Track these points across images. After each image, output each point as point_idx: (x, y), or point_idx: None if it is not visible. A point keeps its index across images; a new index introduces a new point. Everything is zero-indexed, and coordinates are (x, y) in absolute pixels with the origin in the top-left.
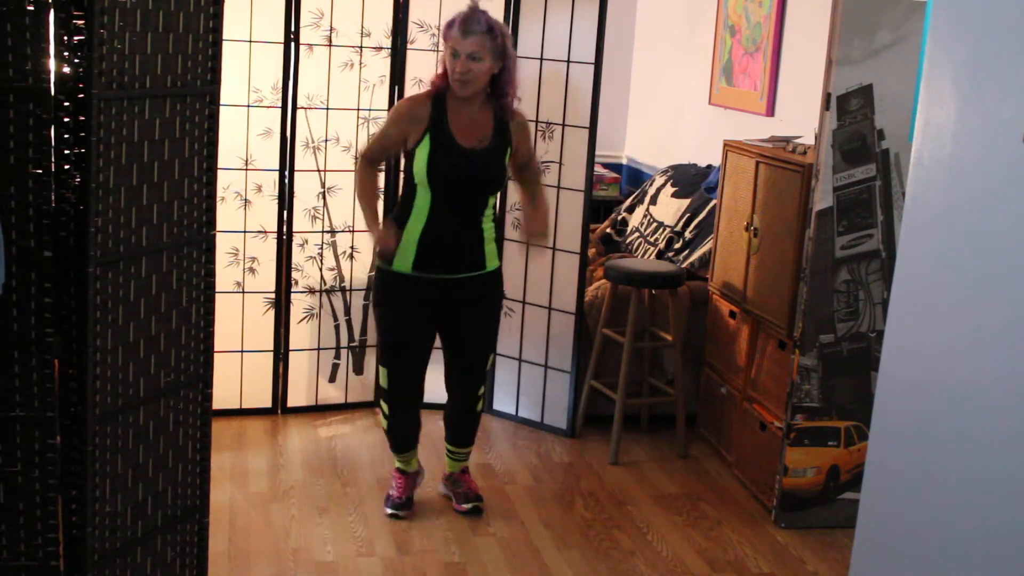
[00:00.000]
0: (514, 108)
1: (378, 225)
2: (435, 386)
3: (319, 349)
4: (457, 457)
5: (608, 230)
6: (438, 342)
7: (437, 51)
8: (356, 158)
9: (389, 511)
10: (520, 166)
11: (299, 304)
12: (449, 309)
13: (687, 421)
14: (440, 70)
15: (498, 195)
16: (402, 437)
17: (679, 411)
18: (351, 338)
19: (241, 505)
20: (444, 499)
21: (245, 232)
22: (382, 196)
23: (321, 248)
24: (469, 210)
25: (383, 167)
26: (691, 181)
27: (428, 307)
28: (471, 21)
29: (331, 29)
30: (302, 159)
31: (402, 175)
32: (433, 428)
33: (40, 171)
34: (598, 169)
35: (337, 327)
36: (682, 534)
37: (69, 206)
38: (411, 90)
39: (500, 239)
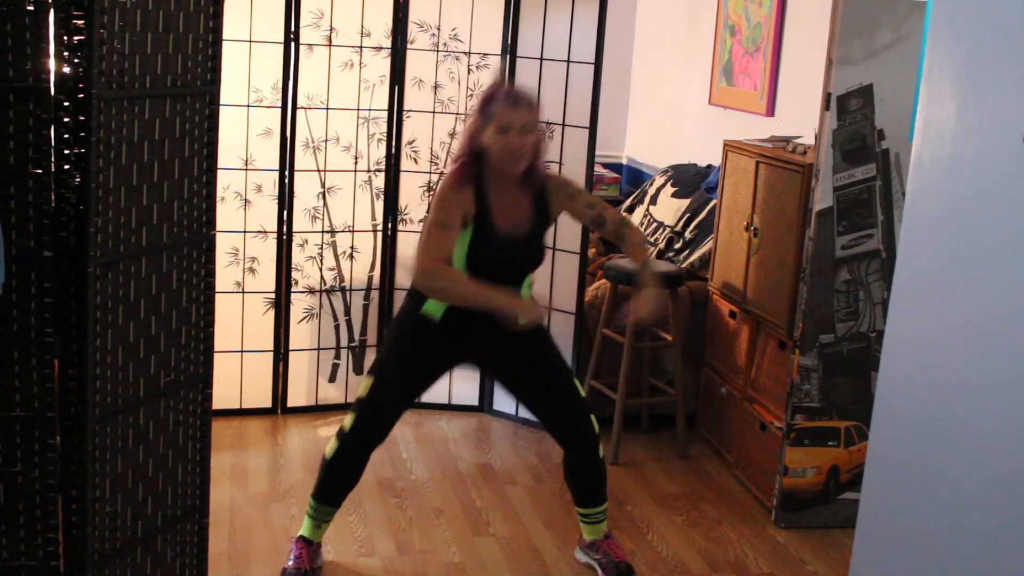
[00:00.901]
0: (548, 173)
1: (508, 296)
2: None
3: (319, 349)
4: (593, 519)
5: None
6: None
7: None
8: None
9: None
10: (594, 224)
11: (299, 304)
12: (509, 365)
13: (687, 421)
14: (463, 151)
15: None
16: (346, 477)
17: (679, 411)
18: (351, 338)
19: (241, 505)
20: (442, 498)
21: (245, 232)
22: (382, 196)
23: (321, 248)
24: (504, 285)
25: (372, 173)
26: (691, 181)
27: (449, 355)
28: (518, 94)
29: (331, 29)
30: (302, 159)
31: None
32: (433, 429)
33: (40, 171)
34: (598, 169)
35: (337, 327)
36: (682, 534)
37: (69, 206)
38: (411, 90)
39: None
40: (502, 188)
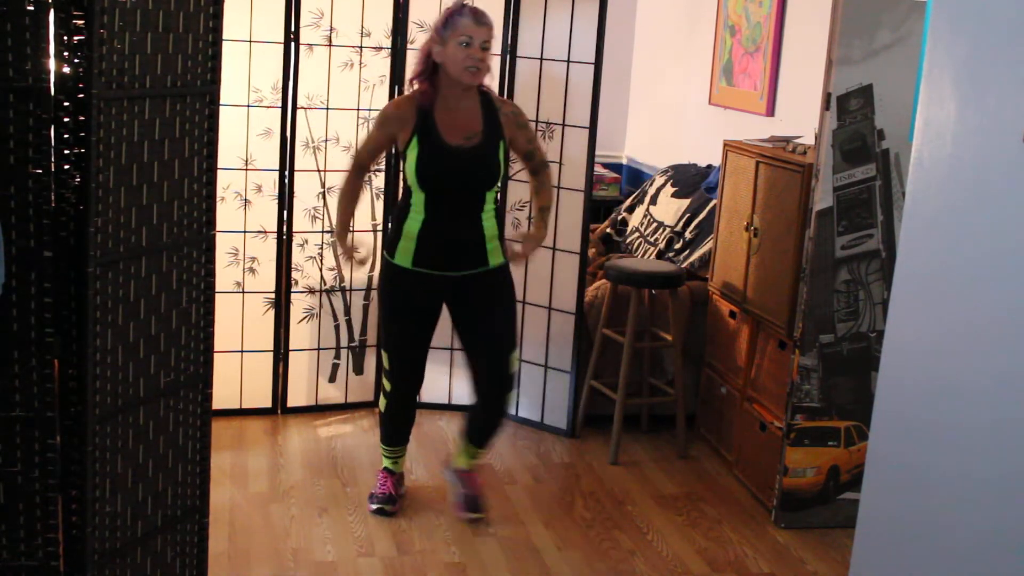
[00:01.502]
0: (500, 97)
1: (345, 240)
2: (437, 385)
3: (319, 349)
4: (471, 454)
5: (608, 230)
6: (440, 341)
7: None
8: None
9: (374, 507)
10: (524, 157)
11: (299, 304)
12: (457, 308)
13: (687, 421)
14: (419, 68)
15: (497, 191)
16: (400, 421)
17: (679, 411)
18: (351, 338)
19: (241, 505)
20: (442, 498)
21: (245, 232)
22: (382, 196)
23: (321, 248)
24: (466, 208)
25: (372, 173)
26: (691, 181)
27: (430, 300)
28: (479, 12)
29: (331, 29)
30: (302, 159)
31: (401, 175)
32: (433, 429)
33: (40, 171)
34: (598, 169)
35: (337, 327)
36: (682, 534)
37: (69, 206)
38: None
39: (503, 235)
40: (452, 103)
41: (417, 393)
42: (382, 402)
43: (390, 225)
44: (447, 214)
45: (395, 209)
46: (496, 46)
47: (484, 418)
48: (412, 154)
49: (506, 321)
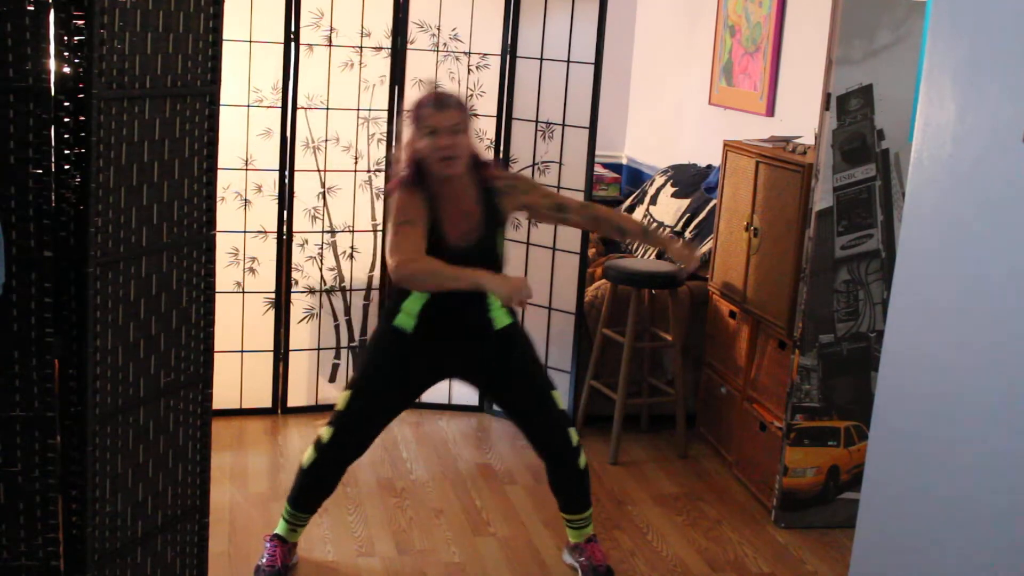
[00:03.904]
0: (494, 172)
1: (492, 274)
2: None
3: (319, 349)
4: (577, 525)
5: None
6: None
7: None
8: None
9: None
10: (557, 209)
11: (299, 304)
12: (480, 382)
13: (687, 421)
14: (407, 172)
15: (503, 266)
16: (324, 481)
17: (679, 411)
18: (351, 338)
19: (241, 505)
20: (442, 498)
21: (245, 232)
22: (383, 196)
23: (321, 248)
24: (472, 292)
25: (372, 173)
26: (691, 181)
27: (425, 369)
28: (442, 96)
29: (331, 29)
30: (302, 159)
31: None
32: (433, 429)
33: (40, 171)
34: (598, 169)
35: (337, 327)
36: (682, 534)
37: (69, 206)
38: (411, 90)
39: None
40: (449, 196)
41: (347, 466)
42: (308, 456)
43: (387, 298)
44: (453, 293)
45: (394, 289)
46: (496, 46)
47: (556, 480)
48: None
49: (531, 367)
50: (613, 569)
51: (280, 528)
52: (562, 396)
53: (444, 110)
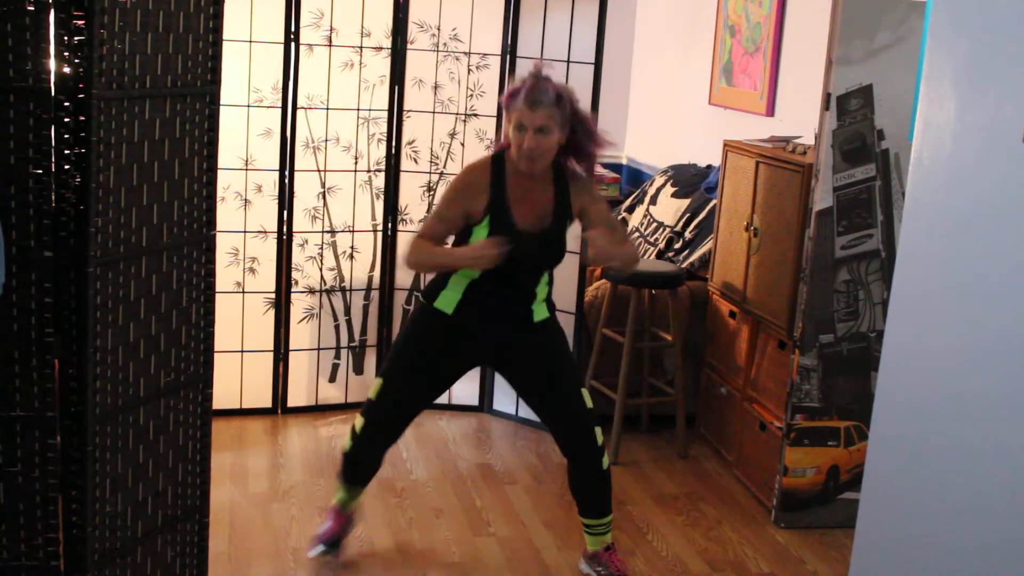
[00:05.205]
0: (575, 169)
1: (467, 250)
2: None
3: (319, 349)
4: (596, 531)
5: None
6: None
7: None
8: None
9: (320, 549)
10: (601, 223)
11: (299, 304)
12: (511, 375)
13: (687, 421)
14: (504, 137)
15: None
16: (365, 464)
17: (679, 411)
18: (351, 338)
19: (241, 505)
20: (442, 498)
21: (245, 232)
22: (383, 196)
23: (321, 248)
24: (522, 280)
25: (372, 173)
26: (691, 181)
27: (461, 358)
28: (537, 91)
29: (331, 29)
30: (302, 159)
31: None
32: (433, 429)
33: (40, 171)
34: (598, 169)
35: (337, 327)
36: (682, 534)
37: (69, 206)
38: (411, 90)
39: (551, 297)
40: (524, 181)
41: (388, 446)
42: (347, 442)
43: (429, 276)
44: (501, 281)
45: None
46: (496, 46)
47: (578, 479)
48: (482, 233)
49: (562, 360)
50: None
51: (337, 499)
52: (588, 398)
53: (535, 109)
